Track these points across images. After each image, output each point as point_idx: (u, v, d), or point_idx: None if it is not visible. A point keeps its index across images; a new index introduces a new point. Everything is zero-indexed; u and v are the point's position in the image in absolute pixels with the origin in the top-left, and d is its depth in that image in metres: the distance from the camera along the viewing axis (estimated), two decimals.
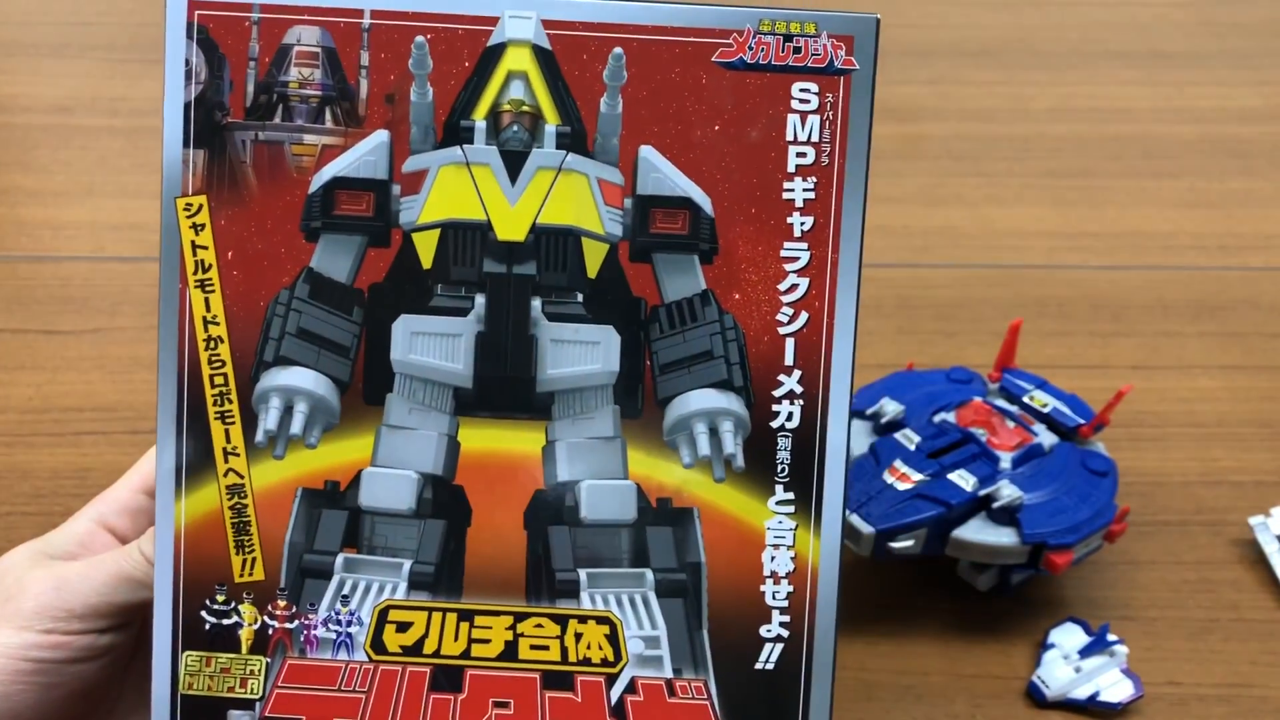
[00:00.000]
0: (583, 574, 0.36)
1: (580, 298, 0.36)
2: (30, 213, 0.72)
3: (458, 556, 0.36)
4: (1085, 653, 0.49)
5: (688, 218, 0.36)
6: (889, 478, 0.49)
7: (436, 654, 0.36)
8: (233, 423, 0.36)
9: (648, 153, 0.35)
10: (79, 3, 0.88)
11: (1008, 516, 0.48)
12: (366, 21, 0.35)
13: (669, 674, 0.36)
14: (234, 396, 0.36)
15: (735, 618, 0.36)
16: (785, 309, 0.36)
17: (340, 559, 0.36)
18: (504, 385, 0.36)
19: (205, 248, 0.35)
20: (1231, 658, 0.50)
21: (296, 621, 0.36)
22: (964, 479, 0.49)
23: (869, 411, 0.53)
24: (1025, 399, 0.53)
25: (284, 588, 0.36)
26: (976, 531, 0.49)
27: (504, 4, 0.35)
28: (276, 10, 0.35)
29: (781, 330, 0.36)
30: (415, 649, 0.36)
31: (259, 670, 0.36)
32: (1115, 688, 0.48)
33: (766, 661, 0.36)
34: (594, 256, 0.36)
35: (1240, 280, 0.69)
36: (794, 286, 0.36)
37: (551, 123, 0.35)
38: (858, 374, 0.58)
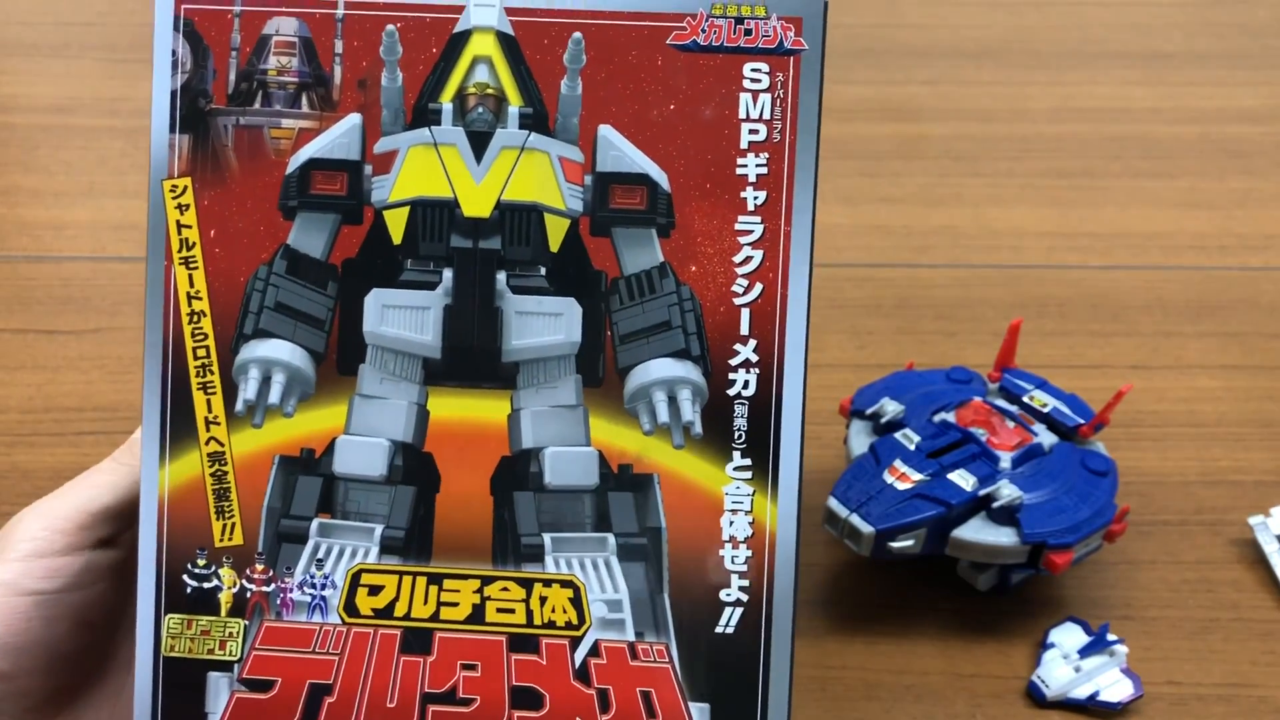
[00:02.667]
0: (547, 538, 0.38)
1: (543, 271, 0.38)
2: (31, 213, 0.73)
3: (427, 521, 0.38)
4: (1085, 652, 0.50)
5: (645, 193, 0.37)
6: (889, 478, 0.50)
7: (407, 617, 0.38)
8: (214, 393, 0.38)
9: (606, 132, 0.37)
10: (79, 3, 0.89)
11: (1007, 516, 0.49)
12: (340, 12, 0.38)
13: (631, 637, 0.37)
14: (215, 368, 0.38)
15: (695, 582, 0.38)
16: (740, 280, 0.38)
17: (315, 524, 0.38)
18: (471, 356, 0.38)
19: (189, 226, 0.38)
20: (1231, 658, 0.51)
21: (273, 585, 0.38)
22: (964, 479, 0.50)
23: (869, 411, 0.54)
24: (1025, 399, 0.54)
25: (261, 552, 0.38)
26: (976, 531, 0.49)
27: None
28: (257, 3, 0.38)
29: (737, 301, 0.38)
30: (386, 612, 0.38)
31: (237, 633, 0.38)
32: (1115, 687, 0.49)
33: (726, 625, 0.38)
34: (556, 231, 0.38)
35: (1240, 280, 0.70)
36: (748, 259, 0.37)
37: (515, 104, 0.38)
38: (857, 374, 0.61)
